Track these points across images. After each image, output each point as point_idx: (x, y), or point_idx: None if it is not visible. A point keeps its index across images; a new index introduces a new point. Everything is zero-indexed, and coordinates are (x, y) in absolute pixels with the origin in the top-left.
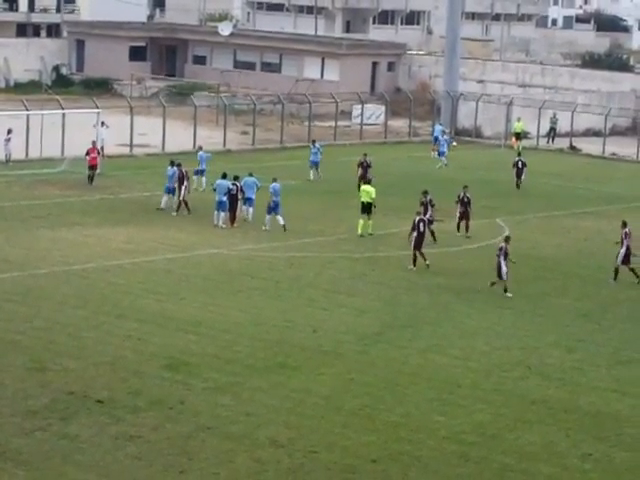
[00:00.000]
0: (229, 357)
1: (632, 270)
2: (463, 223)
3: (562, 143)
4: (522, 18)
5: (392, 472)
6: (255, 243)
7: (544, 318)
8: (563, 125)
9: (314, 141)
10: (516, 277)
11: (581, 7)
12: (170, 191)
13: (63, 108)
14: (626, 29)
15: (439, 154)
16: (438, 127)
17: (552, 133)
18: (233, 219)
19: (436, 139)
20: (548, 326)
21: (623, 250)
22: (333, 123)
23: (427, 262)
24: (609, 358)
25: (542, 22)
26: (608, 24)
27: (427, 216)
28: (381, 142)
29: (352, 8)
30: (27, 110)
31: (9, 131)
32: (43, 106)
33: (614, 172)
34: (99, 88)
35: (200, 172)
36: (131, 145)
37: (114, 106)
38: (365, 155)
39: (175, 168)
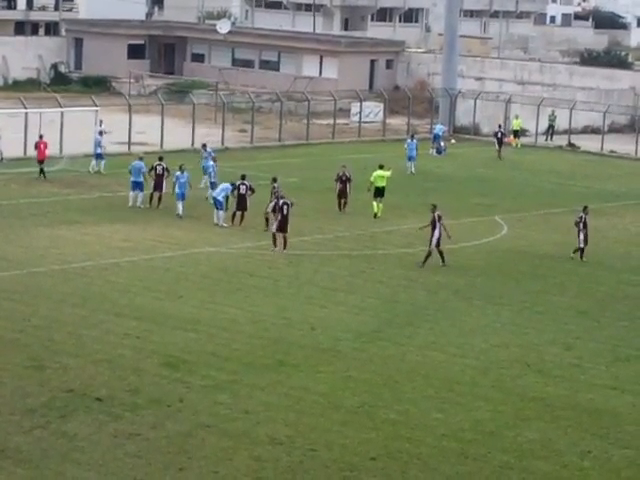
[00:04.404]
0: (227, 355)
1: (440, 253)
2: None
3: (561, 140)
4: (520, 15)
5: (391, 470)
6: (253, 241)
7: (542, 315)
8: (562, 122)
9: (204, 145)
10: (514, 275)
11: (579, 4)
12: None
13: (61, 106)
14: (624, 26)
15: (409, 159)
16: (439, 126)
17: (550, 130)
18: (242, 218)
19: (436, 137)
20: (546, 323)
21: (437, 233)
22: (331, 121)
23: (285, 250)
24: (608, 355)
25: (540, 19)
26: (606, 21)
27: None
28: (379, 140)
29: (350, 6)
30: (25, 108)
31: None
32: (41, 104)
33: (613, 169)
34: (97, 86)
35: (99, 156)
36: (129, 143)
37: (112, 104)
38: (344, 167)
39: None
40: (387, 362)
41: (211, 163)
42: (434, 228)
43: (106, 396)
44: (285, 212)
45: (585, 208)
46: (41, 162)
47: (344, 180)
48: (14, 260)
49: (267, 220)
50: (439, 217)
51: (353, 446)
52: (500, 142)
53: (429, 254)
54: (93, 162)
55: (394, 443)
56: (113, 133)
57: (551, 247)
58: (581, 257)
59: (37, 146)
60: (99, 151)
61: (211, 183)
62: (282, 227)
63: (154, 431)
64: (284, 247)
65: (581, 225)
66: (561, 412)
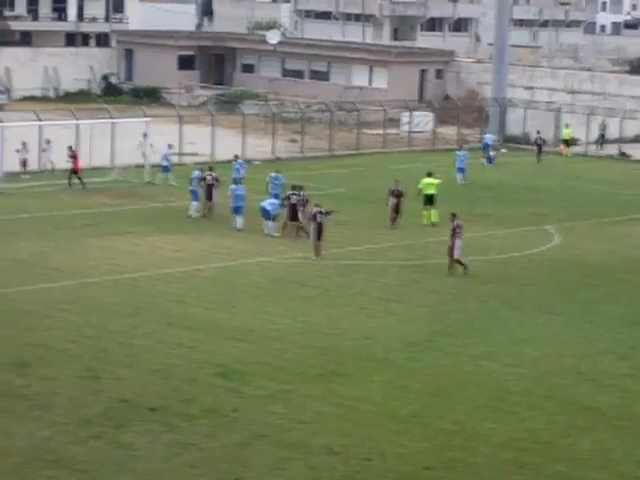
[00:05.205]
0: (280, 365)
1: (452, 262)
2: None
3: (611, 150)
4: (570, 24)
5: (446, 479)
6: (305, 251)
7: (594, 325)
8: (612, 131)
9: (237, 156)
10: (565, 284)
11: (629, 13)
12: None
13: (112, 117)
14: None
15: (458, 170)
16: (489, 135)
17: (601, 139)
18: (293, 228)
19: (486, 146)
20: (598, 333)
21: (458, 242)
22: (381, 131)
23: (318, 257)
24: None
25: (590, 28)
26: None
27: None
28: (430, 149)
29: (400, 15)
30: (76, 119)
31: (47, 141)
32: (92, 115)
33: None
34: (148, 97)
35: (165, 168)
36: (180, 154)
37: (163, 115)
38: (397, 182)
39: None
40: (440, 372)
41: (242, 174)
42: (453, 237)
43: (160, 406)
44: (319, 220)
45: None
46: (77, 172)
47: (397, 195)
48: (66, 271)
49: (306, 230)
50: (458, 226)
51: (408, 455)
52: (540, 149)
53: (460, 262)
54: (167, 174)
55: (448, 452)
56: (164, 144)
57: (602, 256)
58: None
59: (75, 156)
60: (166, 164)
61: (273, 195)
62: (318, 236)
63: (209, 441)
64: (318, 254)
65: None
66: (615, 422)
